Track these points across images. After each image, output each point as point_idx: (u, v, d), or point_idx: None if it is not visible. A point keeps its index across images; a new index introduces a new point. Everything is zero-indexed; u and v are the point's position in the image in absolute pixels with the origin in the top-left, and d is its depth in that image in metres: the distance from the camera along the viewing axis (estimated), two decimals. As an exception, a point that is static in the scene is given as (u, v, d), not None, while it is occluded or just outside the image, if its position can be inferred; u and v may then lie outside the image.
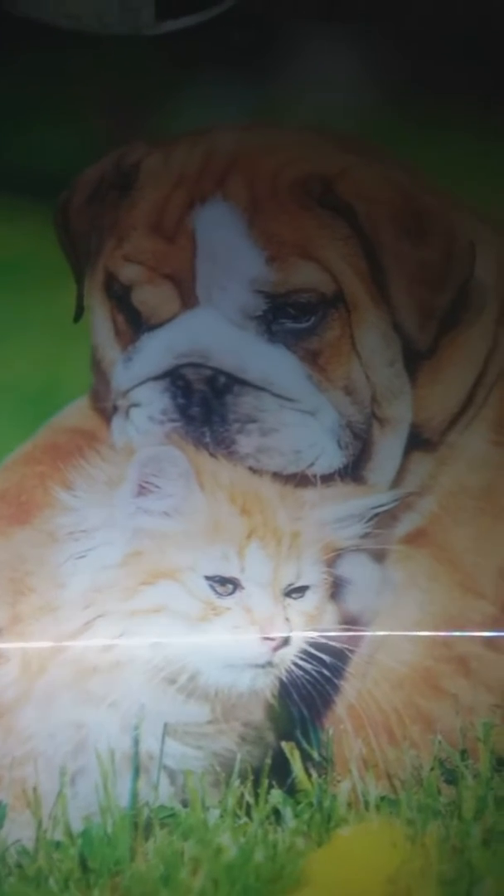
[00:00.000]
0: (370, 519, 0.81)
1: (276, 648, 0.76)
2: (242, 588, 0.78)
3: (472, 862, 0.71)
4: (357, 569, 0.83)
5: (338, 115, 0.96)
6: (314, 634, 0.75)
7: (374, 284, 0.86)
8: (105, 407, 0.89)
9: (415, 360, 0.88)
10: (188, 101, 1.01)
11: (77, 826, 0.76)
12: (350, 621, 0.82)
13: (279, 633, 0.75)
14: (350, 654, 0.80)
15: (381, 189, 0.87)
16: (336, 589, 0.80)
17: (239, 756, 0.77)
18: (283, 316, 0.86)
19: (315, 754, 0.79)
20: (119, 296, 0.88)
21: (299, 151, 0.89)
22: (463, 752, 0.80)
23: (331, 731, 0.79)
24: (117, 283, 0.87)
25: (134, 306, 0.87)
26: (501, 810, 0.75)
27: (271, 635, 0.76)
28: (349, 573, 0.82)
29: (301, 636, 0.75)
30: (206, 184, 0.87)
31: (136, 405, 0.86)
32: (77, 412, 0.92)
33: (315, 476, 0.84)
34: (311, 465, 0.84)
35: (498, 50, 0.94)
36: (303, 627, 0.76)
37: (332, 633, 0.76)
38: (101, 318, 0.90)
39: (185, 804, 0.78)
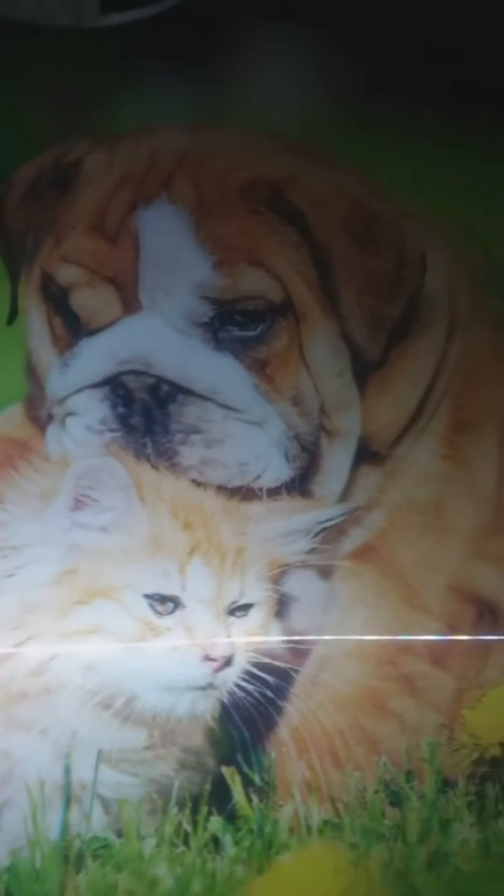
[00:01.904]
0: (317, 534, 0.79)
1: (217, 669, 0.74)
2: (184, 606, 0.75)
3: (416, 886, 0.70)
4: (303, 585, 0.81)
5: (287, 119, 0.94)
6: (261, 647, 0.72)
7: (323, 293, 0.85)
8: (40, 415, 0.86)
9: (364, 372, 0.86)
10: (133, 97, 0.98)
11: (3, 860, 0.73)
12: (294, 640, 0.79)
13: (221, 653, 0.73)
14: (294, 675, 0.78)
15: (332, 195, 0.85)
16: (281, 606, 0.78)
17: (177, 783, 0.75)
18: (230, 323, 0.84)
19: (256, 779, 0.77)
20: (56, 298, 0.84)
21: (249, 154, 0.86)
22: (408, 774, 0.78)
23: (273, 755, 0.77)
24: (54, 285, 0.84)
25: (72, 310, 0.83)
26: (446, 832, 0.74)
27: (213, 655, 0.73)
28: (295, 589, 0.80)
29: (244, 656, 0.73)
30: (151, 184, 0.85)
31: (72, 414, 0.83)
32: (9, 420, 0.88)
33: (261, 489, 0.82)
34: (258, 478, 0.82)
35: (450, 54, 0.93)
36: (246, 647, 0.74)
37: (279, 645, 0.73)
38: (37, 321, 0.87)
39: (119, 834, 0.75)
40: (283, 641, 0.75)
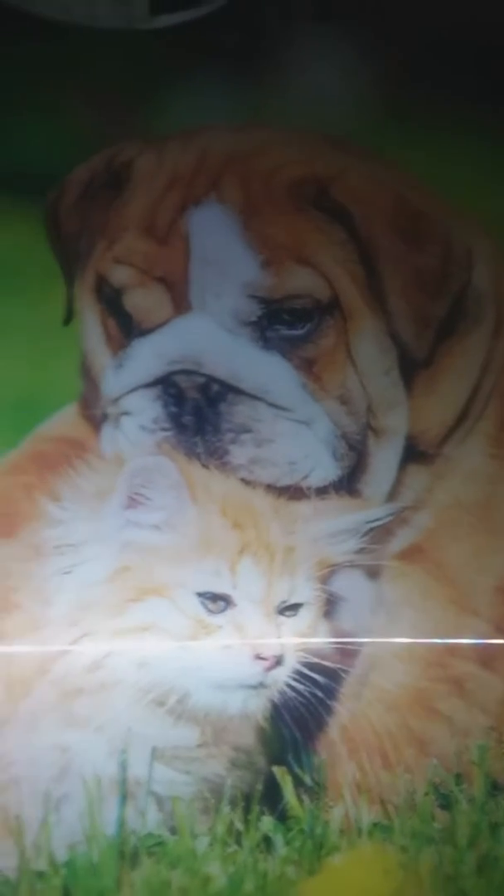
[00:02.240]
0: (365, 534, 0.79)
1: (268, 669, 0.74)
2: (234, 605, 0.75)
3: (465, 890, 0.70)
4: (350, 585, 0.81)
5: (330, 117, 0.94)
6: (311, 647, 0.72)
7: (369, 291, 0.84)
8: (94, 415, 0.87)
9: (411, 370, 0.86)
10: (180, 98, 0.99)
11: (61, 855, 0.74)
12: (343, 640, 0.79)
13: (272, 653, 0.73)
14: (344, 675, 0.78)
15: (378, 193, 0.85)
16: (329, 606, 0.78)
17: (229, 781, 0.75)
18: (278, 322, 0.84)
19: (307, 779, 0.77)
20: (110, 299, 0.85)
21: (294, 153, 0.86)
22: (458, 776, 0.78)
23: (323, 755, 0.77)
24: (108, 286, 0.85)
25: (125, 310, 0.84)
26: (496, 836, 0.74)
27: (264, 654, 0.74)
28: (342, 590, 0.80)
29: (294, 655, 0.73)
30: (200, 185, 0.85)
31: (126, 413, 0.84)
32: (65, 420, 0.89)
33: (309, 489, 0.82)
34: (306, 477, 0.82)
35: (492, 51, 0.92)
36: (296, 647, 0.74)
37: (328, 645, 0.74)
38: (91, 322, 0.88)
39: (172, 831, 0.75)
40: (333, 643, 0.75)
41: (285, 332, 0.84)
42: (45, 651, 0.73)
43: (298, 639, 0.73)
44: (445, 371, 0.86)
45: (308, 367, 0.84)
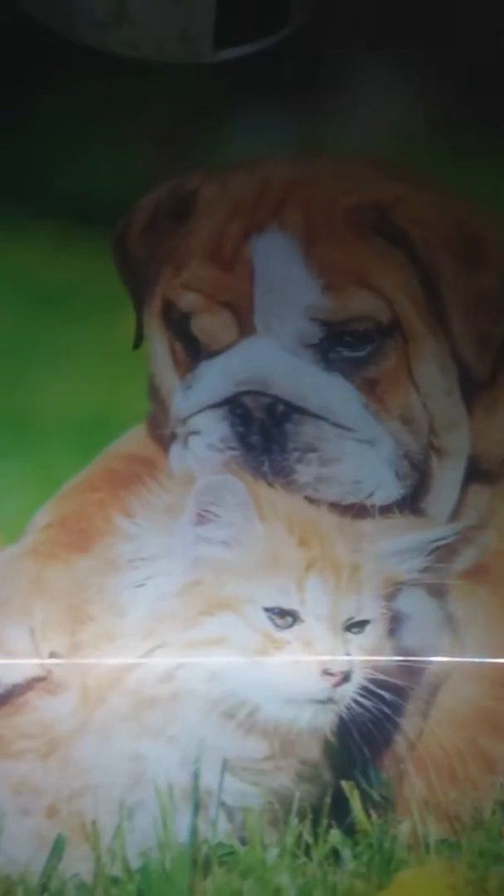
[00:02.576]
0: (430, 552, 0.80)
1: (336, 684, 0.76)
2: (302, 621, 0.77)
3: (535, 908, 0.69)
4: (415, 603, 0.82)
5: (387, 147, 0.96)
6: (377, 664, 0.74)
7: (430, 313, 0.86)
8: (163, 434, 0.89)
9: (472, 391, 0.87)
10: (241, 130, 1.02)
11: (134, 861, 0.75)
12: (408, 658, 0.80)
13: (340, 668, 0.74)
14: (410, 693, 0.79)
15: (437, 217, 0.86)
16: (394, 624, 0.79)
17: (297, 794, 0.76)
18: (340, 344, 0.85)
19: (375, 794, 0.78)
20: (177, 324, 0.88)
21: (354, 180, 0.89)
22: (526, 796, 0.78)
23: (391, 771, 0.78)
24: (176, 311, 0.87)
25: (192, 334, 0.87)
26: None
27: (332, 670, 0.75)
28: (407, 608, 0.81)
29: (362, 671, 0.74)
30: (262, 213, 0.88)
31: (195, 433, 0.86)
32: (134, 439, 0.92)
33: (373, 507, 0.83)
34: (370, 495, 0.83)
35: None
36: (363, 664, 0.75)
37: (394, 663, 0.75)
38: (159, 345, 0.90)
39: (242, 842, 0.77)
40: (401, 661, 0.76)
41: (347, 353, 0.85)
42: (119, 662, 0.76)
43: (368, 656, 0.74)
44: (507, 391, 0.88)
45: (370, 388, 0.86)
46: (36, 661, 0.76)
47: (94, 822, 0.75)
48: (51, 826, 0.77)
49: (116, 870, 0.76)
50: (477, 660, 0.77)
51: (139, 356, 0.92)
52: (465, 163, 0.96)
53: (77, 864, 0.76)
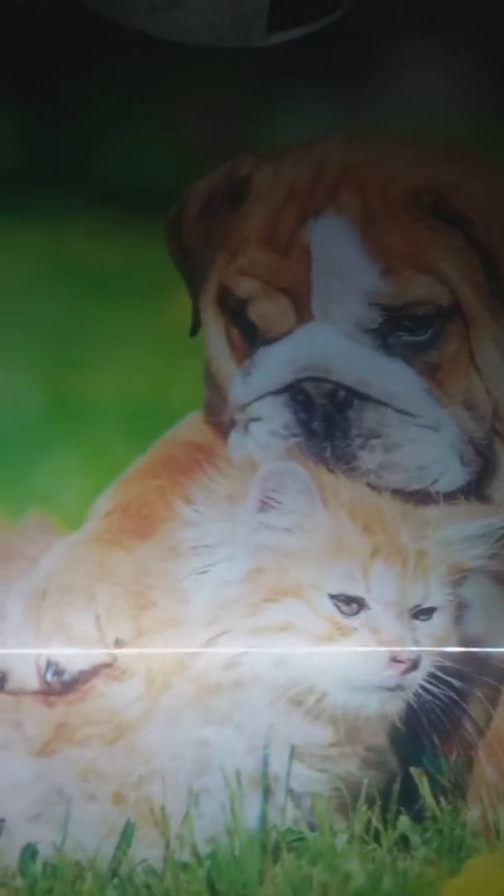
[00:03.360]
0: (497, 539, 0.79)
1: (405, 672, 0.75)
2: (368, 608, 0.76)
3: None
4: (480, 591, 0.81)
5: (439, 129, 0.95)
6: (445, 651, 0.73)
7: (491, 296, 0.84)
8: (221, 421, 0.88)
9: (536, 375, 0.86)
10: (290, 113, 1.01)
11: (203, 846, 0.75)
12: (474, 645, 0.79)
13: (408, 656, 0.74)
14: (478, 680, 0.78)
15: (496, 200, 0.85)
16: (460, 611, 0.78)
17: (365, 780, 0.76)
18: (400, 329, 0.84)
19: (444, 781, 0.77)
20: (234, 310, 0.87)
21: (409, 163, 0.87)
22: None
23: (460, 757, 0.77)
24: (232, 297, 0.87)
25: (250, 320, 0.86)
26: None
27: (401, 658, 0.74)
28: (472, 595, 0.80)
29: (430, 659, 0.73)
30: (318, 197, 0.87)
31: (256, 419, 0.85)
32: (191, 426, 0.91)
33: (438, 493, 0.82)
34: (435, 481, 0.82)
35: None
36: (431, 651, 0.74)
37: (462, 650, 0.74)
38: (215, 331, 0.90)
39: (311, 828, 0.76)
40: (471, 651, 0.75)
41: (407, 338, 0.84)
42: (184, 646, 0.75)
43: (438, 647, 0.73)
44: None
45: (431, 373, 0.84)
46: (103, 650, 0.75)
47: (162, 808, 0.75)
48: (119, 812, 0.77)
49: (185, 855, 0.76)
50: None
51: (192, 343, 0.91)
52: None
53: (146, 849, 0.76)
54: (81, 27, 0.98)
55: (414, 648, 0.73)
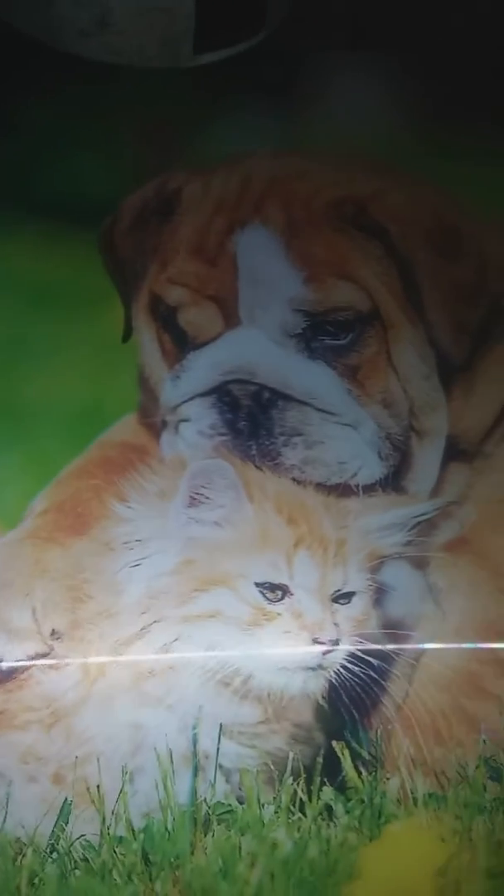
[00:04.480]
0: (412, 527, 0.84)
1: (326, 652, 0.79)
2: (292, 594, 0.80)
3: (518, 856, 0.73)
4: (399, 576, 0.86)
5: (364, 143, 1.00)
6: (364, 632, 0.77)
7: (408, 302, 0.89)
8: (154, 422, 0.92)
9: (450, 375, 0.91)
10: (222, 130, 1.05)
11: (138, 822, 0.79)
12: (393, 627, 0.84)
13: (329, 637, 0.78)
14: (396, 658, 0.82)
15: (414, 210, 0.90)
16: (380, 595, 0.83)
17: (291, 755, 0.80)
18: (322, 333, 0.89)
19: (364, 753, 0.82)
20: (165, 317, 0.91)
21: (332, 176, 0.92)
22: (508, 751, 0.82)
23: (379, 731, 0.82)
24: (163, 305, 0.91)
25: (180, 326, 0.90)
26: (545, 807, 0.78)
27: (321, 639, 0.79)
28: (392, 580, 0.85)
29: (349, 640, 0.78)
30: (244, 209, 0.91)
31: (185, 420, 0.90)
32: (126, 428, 0.95)
33: (357, 486, 0.87)
34: (354, 475, 0.87)
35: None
36: (350, 632, 0.79)
37: (381, 631, 0.79)
38: (147, 338, 0.93)
39: (240, 801, 0.80)
40: (387, 633, 0.80)
41: (329, 342, 0.89)
42: (118, 636, 0.79)
43: (358, 629, 0.78)
44: (483, 374, 0.91)
45: (352, 374, 0.89)
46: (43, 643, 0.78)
47: (98, 787, 0.78)
48: (57, 792, 0.80)
49: (121, 830, 0.79)
50: (444, 645, 0.81)
51: (127, 349, 0.96)
52: (440, 159, 0.99)
53: (83, 825, 0.80)
54: (15, 49, 1.02)
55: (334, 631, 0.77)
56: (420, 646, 0.81)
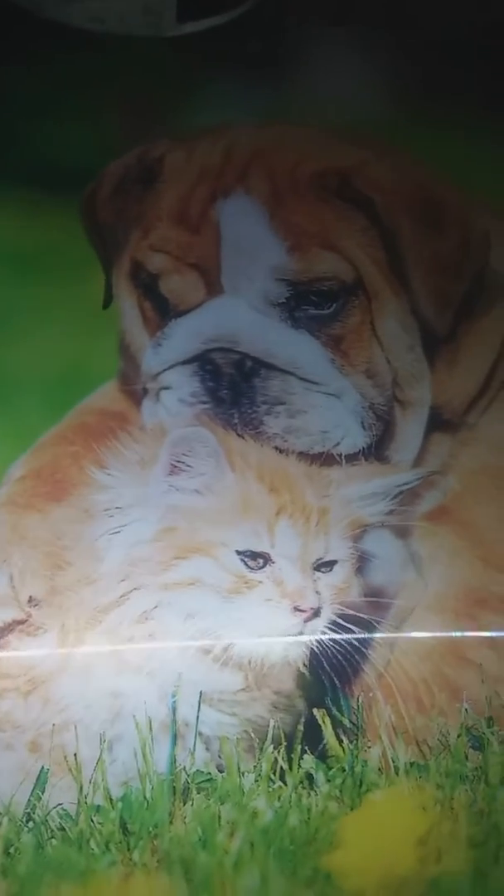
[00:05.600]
0: (394, 496, 0.83)
1: (307, 620, 0.79)
2: (273, 562, 0.80)
3: (499, 825, 0.73)
4: (381, 544, 0.86)
5: (348, 116, 0.99)
6: (346, 600, 0.77)
7: (392, 273, 0.89)
8: (134, 390, 0.91)
9: (434, 346, 0.90)
10: (205, 100, 1.04)
11: (116, 791, 0.78)
12: (375, 594, 0.84)
13: (310, 605, 0.78)
14: (378, 626, 0.82)
15: (398, 182, 0.89)
16: (361, 563, 0.83)
17: (272, 723, 0.80)
18: (306, 303, 0.88)
19: (346, 721, 0.82)
20: (146, 284, 0.90)
21: (316, 147, 0.91)
22: (489, 720, 0.82)
23: (361, 699, 0.81)
24: (144, 272, 0.90)
25: (161, 294, 0.89)
26: (527, 776, 0.77)
27: (302, 607, 0.78)
28: (374, 548, 0.85)
29: (331, 608, 0.77)
30: (228, 178, 0.90)
31: (166, 388, 0.89)
32: (106, 395, 0.94)
33: (340, 455, 0.86)
34: (337, 444, 0.87)
35: (501, 51, 0.97)
36: (332, 600, 0.78)
37: (363, 598, 0.78)
38: (128, 305, 0.92)
39: (220, 769, 0.80)
40: (369, 601, 0.79)
41: (313, 311, 0.88)
42: (97, 603, 0.78)
43: (339, 597, 0.77)
44: (467, 346, 0.91)
45: (335, 344, 0.89)
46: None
47: (75, 755, 0.78)
48: (34, 760, 0.79)
49: (99, 799, 0.79)
50: (419, 634, 0.81)
51: (109, 316, 0.94)
52: (424, 132, 0.99)
53: (60, 794, 0.79)
54: (-4, 15, 1.00)
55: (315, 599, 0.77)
56: (401, 634, 0.80)
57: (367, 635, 0.80)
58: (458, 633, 0.81)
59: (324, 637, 0.78)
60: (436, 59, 1.00)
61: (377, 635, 0.80)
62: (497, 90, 0.99)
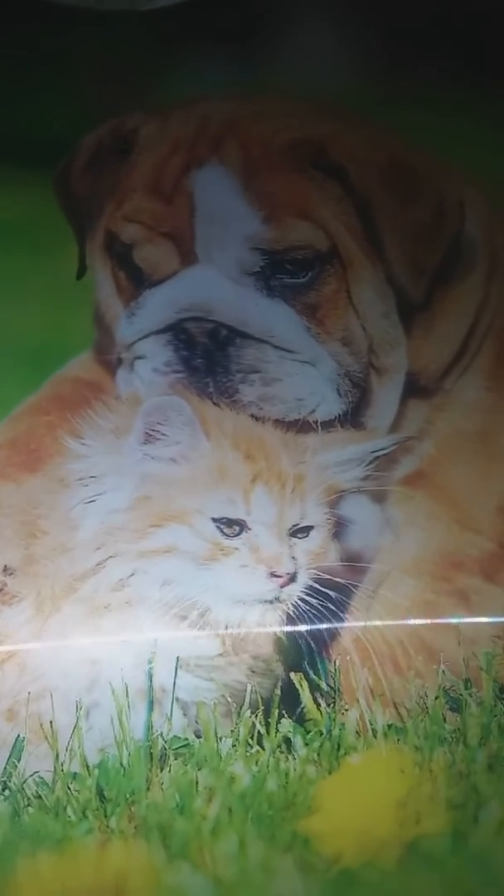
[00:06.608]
0: (370, 462, 0.83)
1: (283, 585, 0.79)
2: (249, 529, 0.79)
3: (477, 786, 0.74)
4: (358, 509, 0.86)
5: (326, 86, 0.99)
6: (322, 565, 0.77)
7: (367, 241, 0.89)
8: (109, 359, 0.91)
9: (409, 313, 0.90)
10: (179, 74, 1.04)
11: (93, 758, 0.78)
12: (352, 559, 0.84)
13: (286, 570, 0.77)
14: (354, 590, 0.82)
15: (372, 151, 0.89)
16: (338, 529, 0.83)
17: (249, 687, 0.80)
18: (281, 272, 0.88)
19: (323, 685, 0.81)
20: (120, 254, 0.89)
21: (290, 118, 0.91)
22: (466, 681, 0.82)
23: (338, 662, 0.81)
24: (118, 243, 0.89)
25: (135, 264, 0.89)
26: (505, 737, 0.78)
27: (279, 572, 0.78)
28: (351, 514, 0.85)
29: (307, 573, 0.77)
30: (202, 148, 0.90)
31: (140, 357, 0.88)
32: (81, 365, 0.94)
33: (316, 422, 0.86)
34: (313, 411, 0.86)
35: (478, 18, 0.97)
36: (308, 565, 0.78)
37: (339, 563, 0.78)
38: (102, 275, 0.92)
39: (197, 735, 0.79)
40: (345, 565, 0.79)
41: (288, 280, 0.88)
42: (73, 571, 0.78)
43: (315, 563, 0.77)
44: (442, 313, 0.91)
45: (311, 313, 0.89)
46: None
47: (51, 723, 0.77)
48: (10, 728, 0.79)
49: (75, 766, 0.78)
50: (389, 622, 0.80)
51: (83, 286, 0.94)
52: (396, 105, 0.99)
53: (36, 762, 0.79)
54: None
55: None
56: (365, 622, 0.80)
57: (343, 598, 0.80)
58: (417, 622, 0.81)
59: (300, 602, 0.78)
60: (407, 31, 1.00)
61: (354, 599, 0.80)
62: (468, 60, 0.99)
